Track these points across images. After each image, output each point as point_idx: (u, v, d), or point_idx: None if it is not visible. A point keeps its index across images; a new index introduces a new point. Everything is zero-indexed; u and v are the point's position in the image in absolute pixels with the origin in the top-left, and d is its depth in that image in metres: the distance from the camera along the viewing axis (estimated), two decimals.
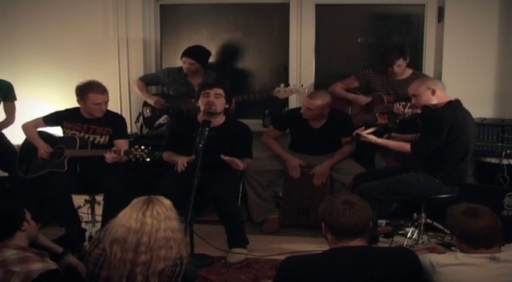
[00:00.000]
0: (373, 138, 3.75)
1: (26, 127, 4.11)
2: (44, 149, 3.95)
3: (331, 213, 2.28)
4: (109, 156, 3.75)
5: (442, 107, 3.62)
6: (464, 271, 2.28)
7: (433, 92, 3.62)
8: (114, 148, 3.86)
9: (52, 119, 4.11)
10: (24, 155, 4.10)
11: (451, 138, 3.57)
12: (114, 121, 4.08)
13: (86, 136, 3.98)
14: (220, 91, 3.87)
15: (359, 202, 2.31)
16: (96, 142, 3.99)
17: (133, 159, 3.66)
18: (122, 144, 3.99)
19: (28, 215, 2.47)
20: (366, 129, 3.79)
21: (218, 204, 3.79)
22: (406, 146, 3.67)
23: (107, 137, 4.01)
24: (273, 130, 4.49)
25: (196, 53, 4.59)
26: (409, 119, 3.93)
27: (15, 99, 4.34)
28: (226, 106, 3.93)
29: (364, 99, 4.50)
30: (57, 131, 4.19)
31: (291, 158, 4.30)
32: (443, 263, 2.33)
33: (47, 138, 4.07)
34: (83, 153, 3.87)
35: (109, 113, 4.08)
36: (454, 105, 3.66)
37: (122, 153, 3.72)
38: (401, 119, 3.87)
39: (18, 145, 4.29)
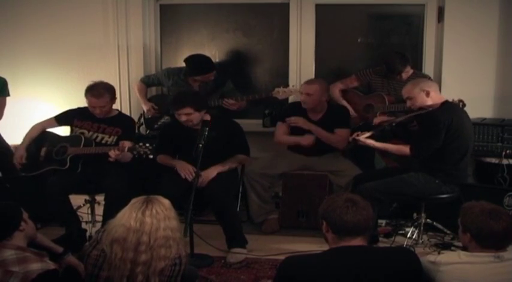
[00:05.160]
0: (371, 142, 3.75)
1: (33, 127, 4.13)
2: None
3: (333, 211, 2.28)
4: (113, 154, 3.74)
5: (437, 108, 3.62)
6: (469, 269, 2.28)
7: (428, 94, 3.63)
8: (120, 145, 3.87)
9: (64, 117, 4.12)
10: (27, 153, 4.08)
11: (449, 139, 3.57)
12: (124, 122, 4.12)
13: (95, 135, 4.00)
14: (187, 110, 3.79)
15: (361, 201, 2.31)
16: (104, 141, 4.00)
17: (136, 156, 3.66)
18: (126, 144, 4.00)
19: (25, 215, 2.46)
20: (362, 133, 3.79)
21: (214, 204, 3.80)
22: (405, 149, 3.67)
23: (115, 138, 4.02)
24: (281, 125, 4.41)
25: (212, 63, 4.55)
26: (406, 122, 3.93)
27: (7, 95, 4.33)
28: (204, 113, 3.88)
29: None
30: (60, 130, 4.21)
31: (305, 137, 4.26)
32: (447, 262, 2.32)
33: (52, 138, 4.06)
34: (87, 150, 3.87)
35: (120, 115, 4.18)
36: (450, 106, 3.67)
37: (125, 150, 3.72)
38: (397, 122, 3.87)
39: (16, 145, 4.28)
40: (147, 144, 3.64)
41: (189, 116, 3.81)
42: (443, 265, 2.32)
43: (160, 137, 4.15)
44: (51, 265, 2.34)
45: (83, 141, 3.92)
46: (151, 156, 3.65)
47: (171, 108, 4.04)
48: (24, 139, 4.09)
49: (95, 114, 3.98)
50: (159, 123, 4.69)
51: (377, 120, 4.10)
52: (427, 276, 2.35)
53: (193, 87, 4.57)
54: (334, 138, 4.18)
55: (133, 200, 2.45)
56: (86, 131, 4.02)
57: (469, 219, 2.36)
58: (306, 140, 4.24)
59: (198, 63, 4.51)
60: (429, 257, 2.41)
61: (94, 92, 3.93)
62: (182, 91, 4.31)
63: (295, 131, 4.41)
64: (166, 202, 2.47)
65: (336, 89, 4.57)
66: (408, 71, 4.34)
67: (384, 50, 4.85)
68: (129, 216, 2.38)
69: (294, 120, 4.22)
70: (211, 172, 3.82)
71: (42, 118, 4.22)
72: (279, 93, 4.32)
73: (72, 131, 4.09)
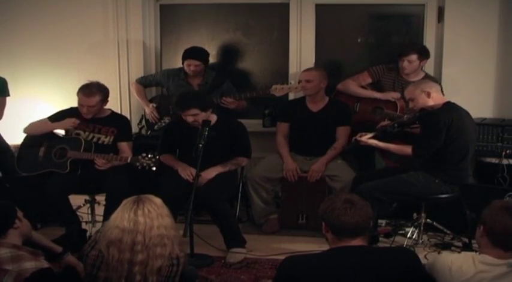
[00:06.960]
0: (373, 142, 3.77)
1: (31, 125, 4.07)
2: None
3: (332, 212, 2.28)
4: (99, 162, 3.79)
5: (438, 108, 3.64)
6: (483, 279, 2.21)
7: (428, 95, 3.64)
8: (121, 155, 3.88)
9: (58, 117, 4.08)
10: (25, 152, 4.09)
11: (450, 139, 3.58)
12: (119, 122, 4.11)
13: (91, 135, 4.00)
14: (193, 111, 3.79)
15: (359, 201, 2.31)
16: (100, 142, 4.00)
17: (139, 167, 3.65)
18: (125, 147, 4.02)
19: (20, 213, 2.45)
20: (364, 134, 3.80)
21: (207, 205, 3.79)
22: (407, 149, 3.68)
23: (112, 138, 4.01)
24: (280, 124, 4.46)
25: (199, 54, 4.55)
26: (408, 123, 3.93)
27: (7, 95, 4.32)
28: (209, 113, 3.88)
29: (379, 94, 4.41)
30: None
31: (290, 162, 4.28)
32: (462, 271, 2.25)
33: (50, 137, 4.05)
34: (87, 156, 3.86)
35: (114, 114, 4.15)
36: (451, 106, 3.67)
37: (128, 161, 3.73)
38: (400, 123, 3.87)
39: (16, 145, 4.29)
40: (150, 156, 3.63)
41: (196, 116, 3.80)
42: (458, 272, 2.25)
43: (163, 137, 4.14)
44: (45, 264, 2.32)
45: (83, 145, 3.91)
46: (154, 168, 3.63)
47: (176, 110, 4.02)
48: (52, 125, 4.03)
49: (81, 113, 3.96)
50: (158, 124, 4.69)
51: (379, 126, 4.08)
52: (436, 275, 2.30)
53: (193, 87, 4.57)
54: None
55: (124, 201, 2.44)
56: (82, 132, 4.00)
57: (488, 212, 2.30)
58: (288, 175, 4.23)
59: (188, 49, 4.57)
60: (451, 257, 2.34)
61: (86, 90, 3.92)
62: (186, 92, 4.28)
63: (295, 125, 4.40)
64: (157, 200, 2.46)
65: (352, 86, 4.49)
66: (412, 61, 4.27)
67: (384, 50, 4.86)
68: (121, 217, 2.37)
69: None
70: (210, 173, 3.83)
71: (42, 118, 4.18)
72: (277, 90, 4.32)
73: (67, 131, 4.08)
